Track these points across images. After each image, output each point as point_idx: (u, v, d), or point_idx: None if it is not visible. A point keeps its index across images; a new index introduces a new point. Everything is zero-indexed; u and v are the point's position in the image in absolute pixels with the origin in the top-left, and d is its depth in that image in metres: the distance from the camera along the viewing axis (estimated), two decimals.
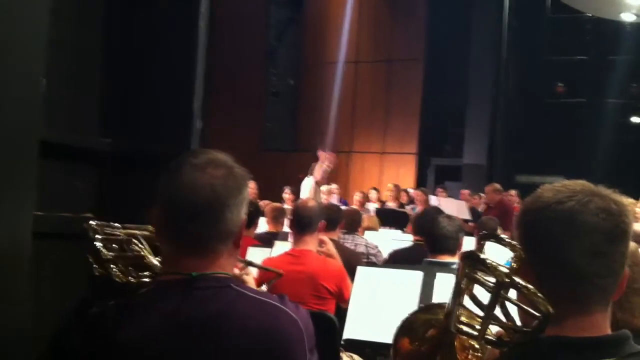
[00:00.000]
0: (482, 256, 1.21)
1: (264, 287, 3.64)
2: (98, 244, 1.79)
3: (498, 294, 1.20)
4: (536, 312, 1.20)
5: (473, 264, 1.23)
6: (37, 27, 1.66)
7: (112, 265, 1.78)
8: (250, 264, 2.10)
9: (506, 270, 1.20)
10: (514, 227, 1.40)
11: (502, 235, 1.29)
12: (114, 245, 1.83)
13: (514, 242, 1.27)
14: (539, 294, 1.19)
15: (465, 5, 14.66)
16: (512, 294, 1.26)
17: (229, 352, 1.44)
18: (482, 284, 1.22)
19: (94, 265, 1.79)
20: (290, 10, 16.78)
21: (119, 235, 1.85)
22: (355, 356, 3.26)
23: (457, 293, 1.26)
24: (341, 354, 3.14)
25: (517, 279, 1.20)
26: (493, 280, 1.20)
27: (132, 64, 2.48)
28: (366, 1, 15.64)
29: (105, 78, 2.43)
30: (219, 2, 11.98)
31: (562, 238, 1.30)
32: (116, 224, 1.87)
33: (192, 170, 1.52)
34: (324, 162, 10.15)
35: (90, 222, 1.83)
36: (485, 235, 1.31)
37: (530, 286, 1.19)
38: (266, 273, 2.72)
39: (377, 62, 15.43)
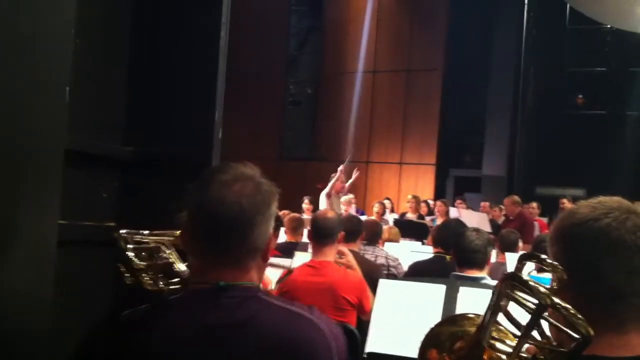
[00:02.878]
0: (524, 278, 1.19)
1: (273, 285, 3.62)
2: (130, 254, 1.79)
3: (539, 316, 1.17)
4: (575, 333, 1.17)
5: (514, 285, 1.20)
6: (62, 36, 1.66)
7: (143, 274, 1.78)
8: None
9: (548, 292, 1.18)
10: (549, 244, 1.38)
11: (543, 256, 1.26)
12: (143, 253, 1.83)
13: (555, 263, 1.25)
14: (579, 316, 1.16)
15: (485, 16, 14.65)
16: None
17: (252, 359, 1.44)
18: (522, 305, 1.20)
19: (126, 274, 1.79)
20: (310, 19, 16.85)
21: (148, 243, 1.86)
22: None
23: (494, 310, 1.24)
24: None
25: (557, 300, 1.17)
26: (532, 300, 1.18)
27: (155, 73, 2.48)
28: (386, 11, 15.67)
29: (128, 87, 2.43)
30: (240, 11, 12.04)
31: (598, 256, 1.29)
32: (144, 231, 1.87)
33: (221, 187, 1.51)
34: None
35: (121, 231, 1.83)
36: (527, 255, 1.29)
37: (570, 307, 1.17)
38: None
39: (396, 71, 15.44)
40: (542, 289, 1.18)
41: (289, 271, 2.24)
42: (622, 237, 1.28)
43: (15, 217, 1.51)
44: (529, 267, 3.62)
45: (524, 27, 14.74)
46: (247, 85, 15.54)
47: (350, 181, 10.78)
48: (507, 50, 14.69)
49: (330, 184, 10.07)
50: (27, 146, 1.55)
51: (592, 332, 1.16)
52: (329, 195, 9.95)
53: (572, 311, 1.17)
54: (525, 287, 1.19)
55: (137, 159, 2.38)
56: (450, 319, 1.55)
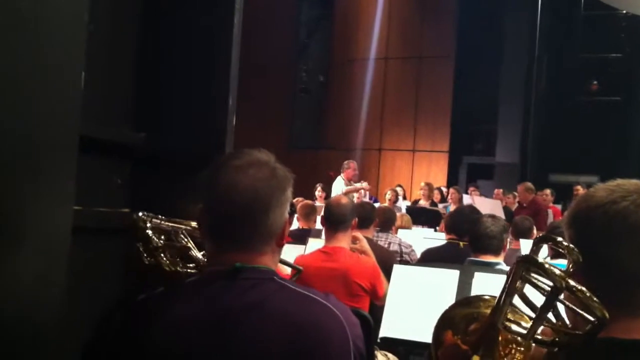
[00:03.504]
0: (540, 260, 1.18)
1: None
2: (149, 232, 1.80)
3: (554, 299, 1.17)
4: (590, 316, 1.16)
5: (529, 267, 1.20)
6: (76, 22, 1.65)
7: (161, 254, 1.79)
8: None
9: (563, 274, 1.17)
10: (565, 227, 1.37)
11: (559, 239, 1.25)
12: (162, 235, 1.84)
13: (571, 246, 1.24)
14: (594, 298, 1.16)
15: (497, 1, 14.53)
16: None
17: (266, 341, 1.44)
18: (537, 287, 1.19)
19: (144, 254, 1.80)
20: (320, 7, 16.79)
21: (167, 227, 1.86)
22: (390, 355, 3.24)
23: (509, 292, 1.24)
24: (376, 352, 3.12)
25: (573, 282, 1.17)
26: (548, 282, 1.17)
27: (167, 58, 2.47)
28: None
29: (140, 73, 2.42)
30: None
31: (615, 239, 1.28)
32: (161, 216, 1.88)
33: (235, 171, 1.52)
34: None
35: (140, 213, 1.84)
36: (543, 238, 1.28)
37: (585, 290, 1.16)
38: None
39: (407, 58, 15.38)
40: (557, 271, 1.17)
41: (297, 271, 2.23)
42: (639, 220, 1.26)
43: (30, 204, 1.52)
44: (544, 253, 3.60)
45: (538, 13, 14.63)
46: (257, 74, 15.50)
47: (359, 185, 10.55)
48: (519, 36, 14.59)
49: (347, 188, 9.83)
50: (42, 133, 1.55)
51: (607, 315, 1.15)
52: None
53: (587, 294, 1.16)
54: (541, 269, 1.19)
55: (150, 145, 2.38)
56: (465, 301, 1.55)
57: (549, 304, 1.19)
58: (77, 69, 1.65)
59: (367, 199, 9.44)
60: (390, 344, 3.16)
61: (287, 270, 3.59)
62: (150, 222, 1.84)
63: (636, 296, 1.27)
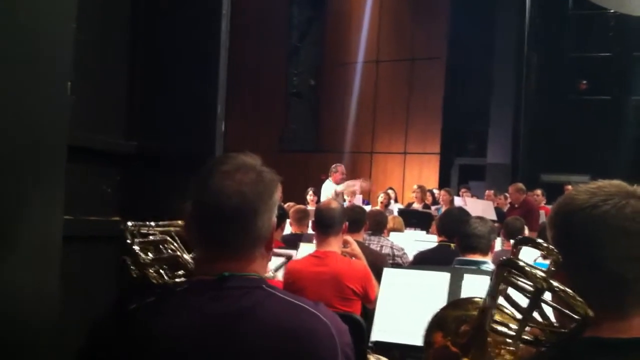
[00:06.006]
0: (520, 263, 1.20)
1: (276, 274, 3.61)
2: (136, 248, 1.80)
3: (537, 300, 1.18)
4: (574, 314, 1.17)
5: (511, 270, 1.21)
6: (63, 32, 1.66)
7: (149, 268, 1.79)
8: None
9: (544, 275, 1.18)
10: (547, 228, 1.38)
11: (539, 240, 1.26)
12: (150, 247, 1.84)
13: (551, 247, 1.25)
14: (577, 297, 1.17)
15: (487, 3, 14.59)
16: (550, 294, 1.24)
17: (254, 349, 1.44)
18: (520, 289, 1.20)
19: (132, 267, 1.80)
20: (311, 10, 16.80)
21: (155, 236, 1.86)
22: (383, 358, 3.24)
23: (493, 295, 1.25)
24: (369, 356, 3.12)
25: (555, 283, 1.18)
26: (531, 284, 1.19)
27: (156, 66, 2.48)
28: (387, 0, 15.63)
29: (130, 80, 2.43)
30: (240, 2, 12.04)
31: (598, 243, 1.27)
32: (150, 223, 1.88)
33: (222, 177, 1.51)
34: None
35: (128, 223, 1.84)
36: (522, 239, 1.29)
37: (568, 290, 1.18)
38: None
39: (398, 61, 15.41)
40: (538, 274, 1.18)
41: (287, 258, 2.22)
42: (621, 224, 1.26)
43: (20, 213, 1.52)
44: (535, 254, 3.61)
45: (527, 13, 14.68)
46: (249, 78, 15.54)
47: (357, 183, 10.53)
48: (509, 37, 14.64)
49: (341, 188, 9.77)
50: (30, 142, 1.56)
51: (591, 313, 1.17)
52: (337, 194, 9.82)
53: (570, 293, 1.17)
54: (521, 272, 1.20)
55: (140, 153, 2.39)
56: (456, 303, 1.55)
57: (533, 305, 1.20)
58: (64, 78, 1.66)
59: (359, 203, 9.42)
60: (383, 348, 3.17)
61: (279, 277, 3.59)
62: (139, 232, 1.85)
63: (620, 298, 1.27)
